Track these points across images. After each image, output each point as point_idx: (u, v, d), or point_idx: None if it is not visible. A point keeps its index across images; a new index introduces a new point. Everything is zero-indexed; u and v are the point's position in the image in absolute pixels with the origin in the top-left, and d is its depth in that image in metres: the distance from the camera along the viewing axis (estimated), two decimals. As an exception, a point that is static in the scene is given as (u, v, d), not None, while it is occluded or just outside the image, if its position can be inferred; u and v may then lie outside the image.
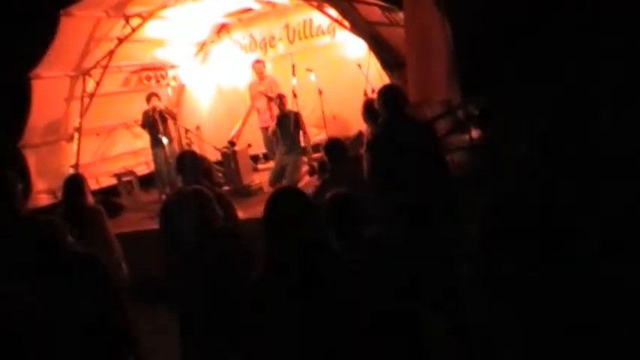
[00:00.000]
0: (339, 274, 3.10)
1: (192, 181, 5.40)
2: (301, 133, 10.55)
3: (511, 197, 3.16)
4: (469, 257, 3.20)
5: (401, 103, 5.97)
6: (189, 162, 5.84)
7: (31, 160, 10.45)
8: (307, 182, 9.83)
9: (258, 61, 12.09)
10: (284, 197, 3.36)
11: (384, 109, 5.99)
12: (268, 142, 11.87)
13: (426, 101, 8.27)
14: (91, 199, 6.07)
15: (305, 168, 10.61)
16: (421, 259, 3.99)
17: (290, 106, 10.80)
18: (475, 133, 8.47)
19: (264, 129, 11.83)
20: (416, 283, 3.72)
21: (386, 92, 6.06)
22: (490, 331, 3.16)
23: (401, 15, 11.40)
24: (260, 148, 12.59)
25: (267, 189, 10.04)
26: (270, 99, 11.49)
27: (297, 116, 10.56)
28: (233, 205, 5.61)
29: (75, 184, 5.98)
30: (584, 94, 7.74)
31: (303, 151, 10.67)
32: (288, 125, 10.43)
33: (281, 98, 10.71)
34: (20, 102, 10.41)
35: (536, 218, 3.06)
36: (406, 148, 5.58)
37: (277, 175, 10.22)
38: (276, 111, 11.15)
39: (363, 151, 7.31)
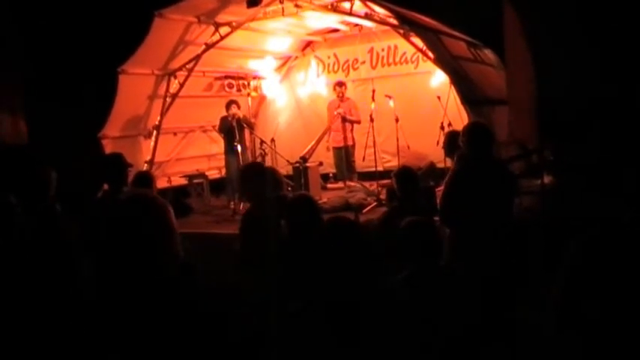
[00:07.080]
0: None
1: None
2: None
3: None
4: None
5: (487, 142, 5.56)
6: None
7: (108, 151, 10.58)
8: (373, 210, 9.64)
9: (340, 83, 12.12)
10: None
11: (468, 145, 5.57)
12: (339, 162, 11.90)
13: (504, 142, 8.19)
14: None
15: (372, 200, 10.27)
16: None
17: (366, 130, 10.88)
18: (547, 179, 8.33)
19: (336, 149, 11.90)
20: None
21: (473, 129, 5.69)
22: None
23: (486, 52, 11.38)
24: (330, 168, 12.68)
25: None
26: (346, 121, 11.57)
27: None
28: None
29: (142, 181, 5.97)
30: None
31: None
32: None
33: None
34: (106, 95, 10.70)
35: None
36: (483, 189, 5.33)
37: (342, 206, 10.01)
38: (349, 133, 11.33)
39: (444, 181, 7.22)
